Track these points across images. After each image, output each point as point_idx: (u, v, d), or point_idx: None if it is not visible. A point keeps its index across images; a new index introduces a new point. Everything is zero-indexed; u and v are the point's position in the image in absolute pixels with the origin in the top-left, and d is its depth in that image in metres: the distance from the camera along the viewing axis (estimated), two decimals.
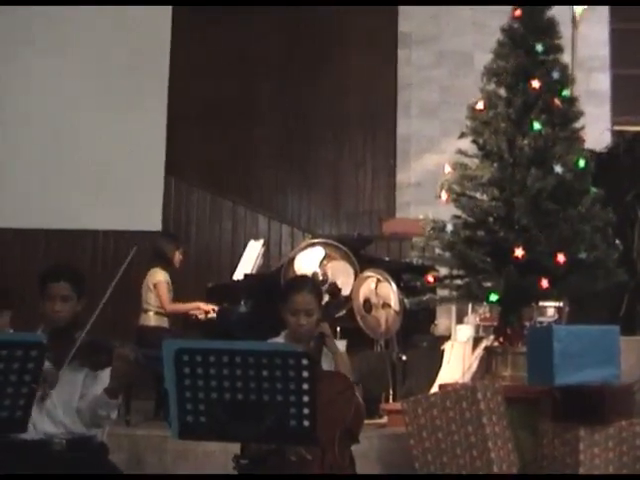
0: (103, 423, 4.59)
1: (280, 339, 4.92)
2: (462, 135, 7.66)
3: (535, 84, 7.44)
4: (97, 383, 4.52)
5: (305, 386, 3.53)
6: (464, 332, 8.55)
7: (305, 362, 3.52)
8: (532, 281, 7.12)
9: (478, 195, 7.49)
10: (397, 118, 11.84)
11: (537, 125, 7.34)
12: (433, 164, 11.09)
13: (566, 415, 6.20)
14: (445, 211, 7.76)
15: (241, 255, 8.93)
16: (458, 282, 7.52)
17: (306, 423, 3.56)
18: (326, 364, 4.83)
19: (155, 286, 7.94)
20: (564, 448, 6.18)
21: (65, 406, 4.52)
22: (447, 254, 7.46)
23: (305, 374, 3.52)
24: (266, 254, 9.04)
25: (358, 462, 4.81)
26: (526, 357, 6.58)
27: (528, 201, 7.22)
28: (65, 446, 4.47)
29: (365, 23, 11.65)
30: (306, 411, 3.55)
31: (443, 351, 8.47)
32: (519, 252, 7.11)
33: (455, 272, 7.57)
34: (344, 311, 6.62)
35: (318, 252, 7.70)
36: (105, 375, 4.49)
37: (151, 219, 11.09)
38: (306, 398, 3.54)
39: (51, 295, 4.59)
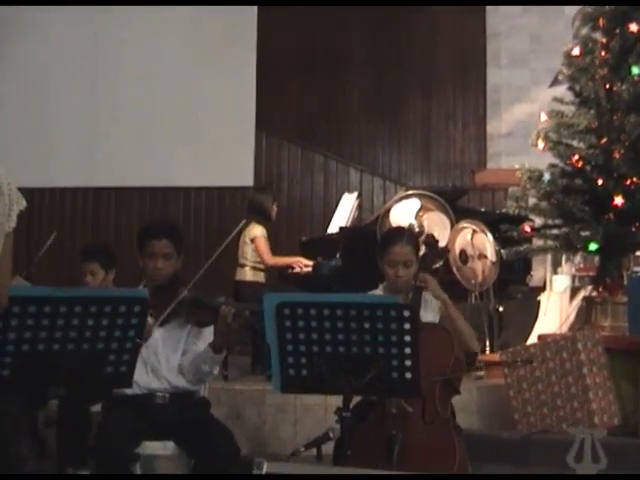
0: (205, 379, 4.61)
1: (379, 291, 4.91)
2: (553, 83, 7.51)
3: (633, 27, 7.25)
4: (200, 340, 4.55)
5: (407, 338, 3.52)
6: (561, 282, 8.41)
7: (407, 314, 3.51)
8: (632, 230, 6.99)
9: (575, 143, 7.36)
10: (487, 68, 11.65)
11: (636, 70, 7.17)
12: (524, 114, 10.93)
13: None
14: (536, 161, 7.64)
15: (333, 209, 8.87)
16: (555, 232, 7.42)
17: (408, 375, 3.55)
18: (429, 315, 4.80)
19: (252, 240, 7.90)
20: None
21: (168, 362, 4.56)
22: (544, 204, 7.36)
23: (407, 326, 3.51)
24: (359, 207, 8.97)
25: (458, 414, 4.79)
26: (627, 307, 6.46)
27: (627, 148, 7.07)
28: (168, 400, 4.52)
29: None
30: (408, 363, 3.54)
31: (539, 302, 8.36)
32: (618, 200, 6.98)
33: (552, 222, 7.46)
34: (441, 262, 6.54)
35: (414, 203, 7.60)
36: (208, 332, 4.51)
37: (243, 175, 11.09)
38: (408, 350, 3.53)
39: (153, 253, 4.55)
